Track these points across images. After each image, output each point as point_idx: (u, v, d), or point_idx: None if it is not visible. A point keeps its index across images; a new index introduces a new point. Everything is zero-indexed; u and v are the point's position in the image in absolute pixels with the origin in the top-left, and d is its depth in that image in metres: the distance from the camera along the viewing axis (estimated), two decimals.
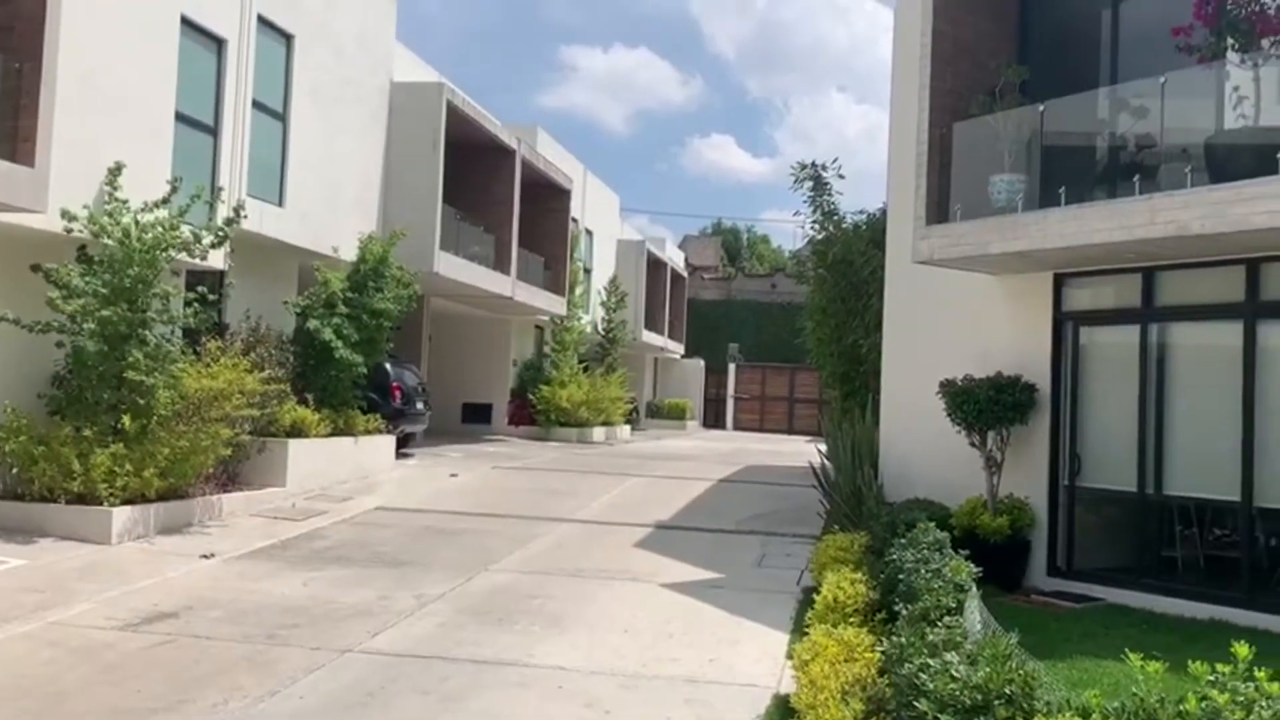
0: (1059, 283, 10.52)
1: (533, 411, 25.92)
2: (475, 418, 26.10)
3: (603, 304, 30.87)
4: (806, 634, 6.39)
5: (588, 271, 30.14)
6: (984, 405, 10.15)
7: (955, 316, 11.37)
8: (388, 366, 17.54)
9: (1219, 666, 3.40)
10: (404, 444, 18.39)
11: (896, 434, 11.93)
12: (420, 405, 19.04)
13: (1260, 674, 3.35)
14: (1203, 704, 3.23)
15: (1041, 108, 9.88)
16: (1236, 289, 9.13)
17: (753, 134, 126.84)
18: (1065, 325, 10.51)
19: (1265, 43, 8.24)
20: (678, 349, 39.60)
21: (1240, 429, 8.93)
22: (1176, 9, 8.92)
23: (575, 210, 27.39)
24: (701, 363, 41.75)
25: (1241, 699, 3.23)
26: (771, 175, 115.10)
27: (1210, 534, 9.73)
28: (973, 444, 10.41)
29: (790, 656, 6.53)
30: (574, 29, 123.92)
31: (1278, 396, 8.76)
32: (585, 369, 28.47)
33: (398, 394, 17.96)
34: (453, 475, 16.51)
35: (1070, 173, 9.79)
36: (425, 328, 22.60)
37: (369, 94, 17.83)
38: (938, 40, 10.35)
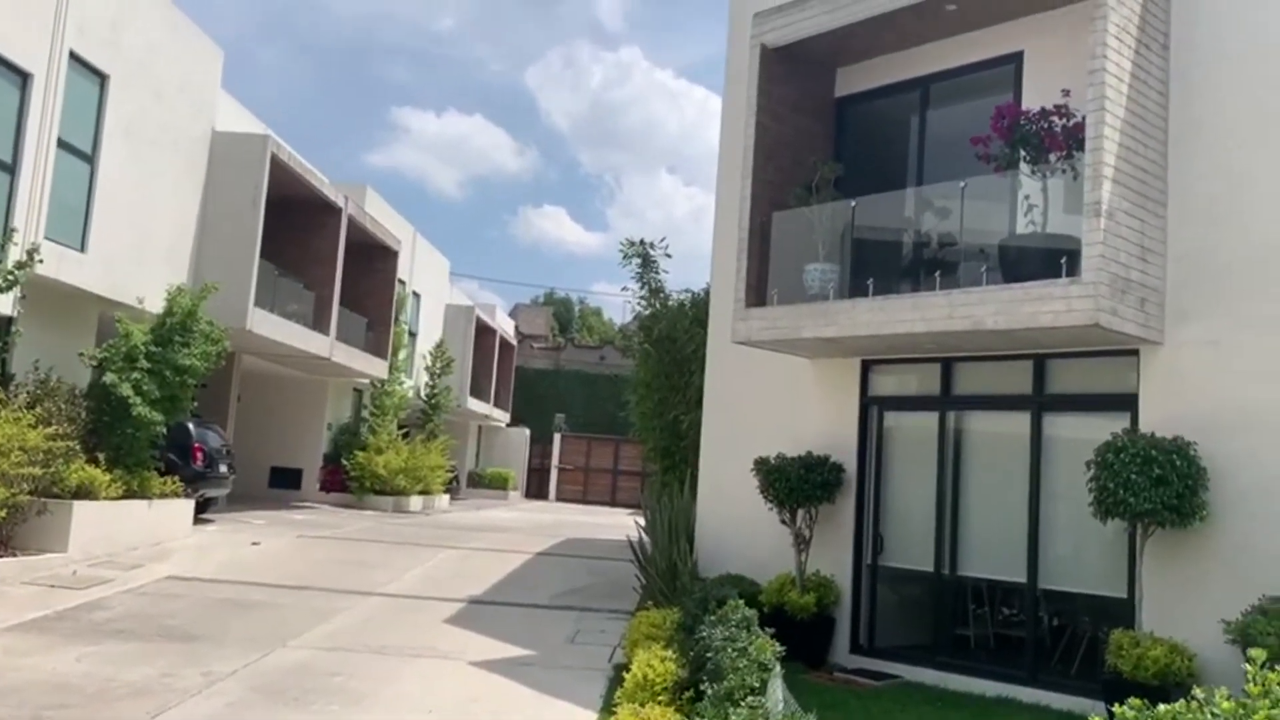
0: (866, 368, 11.02)
1: (346, 478, 25.03)
2: (284, 483, 24.97)
3: (427, 369, 30.32)
4: (614, 713, 6.31)
5: (413, 335, 29.60)
6: (795, 483, 10.44)
7: (771, 396, 11.72)
8: (190, 426, 16.61)
9: None
10: (204, 509, 17.37)
11: (713, 509, 12.11)
12: (224, 468, 18.06)
13: None
14: None
15: (854, 203, 10.42)
16: (1025, 382, 9.79)
17: (585, 207, 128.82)
18: (871, 409, 10.99)
19: (1053, 157, 8.97)
20: (503, 417, 39.23)
21: (1027, 514, 9.51)
22: (977, 120, 9.64)
23: (403, 272, 26.94)
24: (527, 432, 41.48)
25: None
26: (603, 248, 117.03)
27: (1000, 613, 10.26)
28: (783, 521, 10.67)
29: None
30: (409, 90, 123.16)
31: (1060, 484, 9.38)
32: (405, 435, 27.76)
33: (199, 456, 16.99)
34: (255, 543, 15.67)
35: (879, 265, 10.33)
36: (235, 387, 21.58)
37: (189, 141, 17.12)
38: (760, 134, 10.81)
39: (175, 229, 16.80)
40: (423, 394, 30.17)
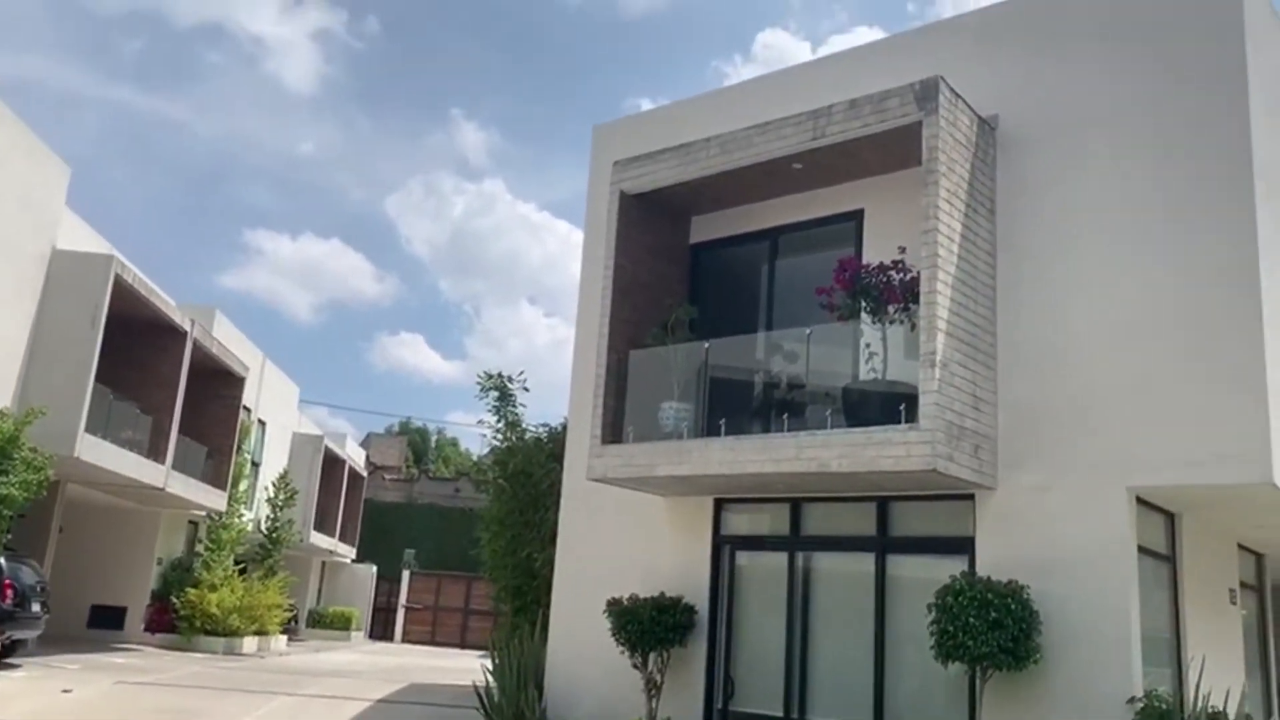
0: (719, 507, 11.12)
1: (175, 617, 23.38)
2: (105, 622, 23.14)
3: (269, 501, 29.01)
4: None
5: (256, 465, 28.39)
6: (647, 626, 10.31)
7: (625, 535, 11.65)
8: (1, 561, 15.32)
9: None
10: (10, 652, 15.88)
11: (564, 652, 11.80)
12: (37, 607, 16.63)
13: None
14: None
15: (707, 345, 10.70)
16: (870, 524, 10.05)
17: (444, 335, 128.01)
18: (724, 549, 11.04)
19: (891, 309, 9.46)
20: (349, 553, 37.67)
21: (873, 655, 9.61)
22: (822, 271, 10.12)
23: (250, 399, 26.01)
24: (373, 569, 39.86)
25: None
26: (461, 377, 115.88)
27: None
28: (635, 665, 10.48)
29: None
30: (266, 213, 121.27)
31: (904, 625, 9.55)
32: (243, 571, 26.28)
33: (9, 593, 15.61)
34: (66, 691, 14.35)
35: (732, 405, 10.56)
36: (57, 517, 20.09)
37: (26, 259, 16.35)
38: (618, 274, 11.07)
39: (3, 349, 15.85)
40: (263, 527, 28.77)
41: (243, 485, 25.85)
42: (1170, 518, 9.65)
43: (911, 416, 8.67)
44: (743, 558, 11.08)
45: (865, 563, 10.02)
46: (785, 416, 9.92)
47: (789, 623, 10.36)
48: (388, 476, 48.41)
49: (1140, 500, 8.89)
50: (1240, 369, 8.26)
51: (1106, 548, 8.58)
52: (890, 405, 8.99)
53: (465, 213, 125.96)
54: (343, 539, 36.06)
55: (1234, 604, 10.94)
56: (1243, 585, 11.47)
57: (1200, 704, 8.20)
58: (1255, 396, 8.15)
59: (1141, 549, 8.81)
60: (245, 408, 25.48)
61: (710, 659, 10.68)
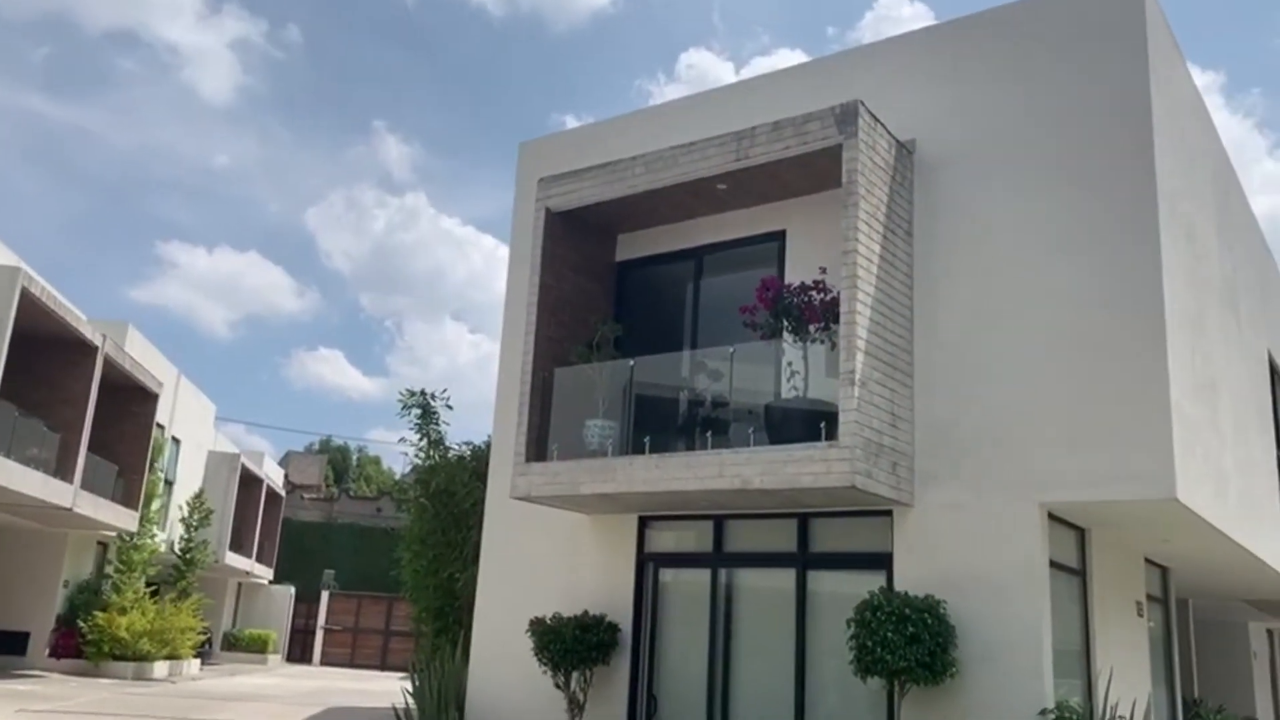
0: (643, 525, 11.13)
1: (83, 642, 22.55)
2: (7, 648, 22.20)
3: (183, 520, 28.20)
4: None
5: (170, 484, 27.60)
6: (570, 645, 10.26)
7: (549, 553, 11.58)
8: None
9: None
10: None
11: (486, 673, 11.67)
12: None
13: None
14: None
15: (632, 363, 10.73)
16: (791, 540, 10.15)
17: (364, 351, 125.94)
18: (647, 566, 11.05)
19: (812, 328, 9.60)
20: (266, 573, 36.77)
21: (794, 671, 9.69)
22: (746, 290, 10.23)
23: (163, 416, 25.30)
24: (291, 590, 38.95)
25: None
26: (382, 394, 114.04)
27: None
28: (557, 685, 10.41)
29: None
30: (181, 226, 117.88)
31: (825, 641, 9.65)
32: (155, 593, 25.48)
33: None
34: None
35: (657, 422, 10.59)
36: None
37: None
38: (543, 292, 11.05)
39: None
40: (177, 548, 27.96)
41: (155, 505, 25.10)
42: (1081, 533, 9.93)
43: (832, 434, 8.79)
44: (666, 575, 11.09)
45: (786, 579, 10.11)
46: (709, 434, 9.99)
47: (711, 639, 10.39)
48: (307, 495, 47.44)
49: (1052, 516, 9.14)
50: (1145, 390, 8.55)
51: (1019, 563, 8.80)
52: (811, 423, 9.11)
53: (387, 227, 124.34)
54: (260, 559, 35.20)
55: (1141, 616, 11.29)
56: (1149, 598, 11.84)
57: (1108, 714, 8.43)
58: (1160, 416, 8.45)
59: (1053, 564, 9.04)
60: (158, 425, 24.77)
61: (633, 676, 10.66)
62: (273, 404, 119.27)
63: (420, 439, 15.69)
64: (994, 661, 8.65)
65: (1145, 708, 9.16)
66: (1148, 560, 11.89)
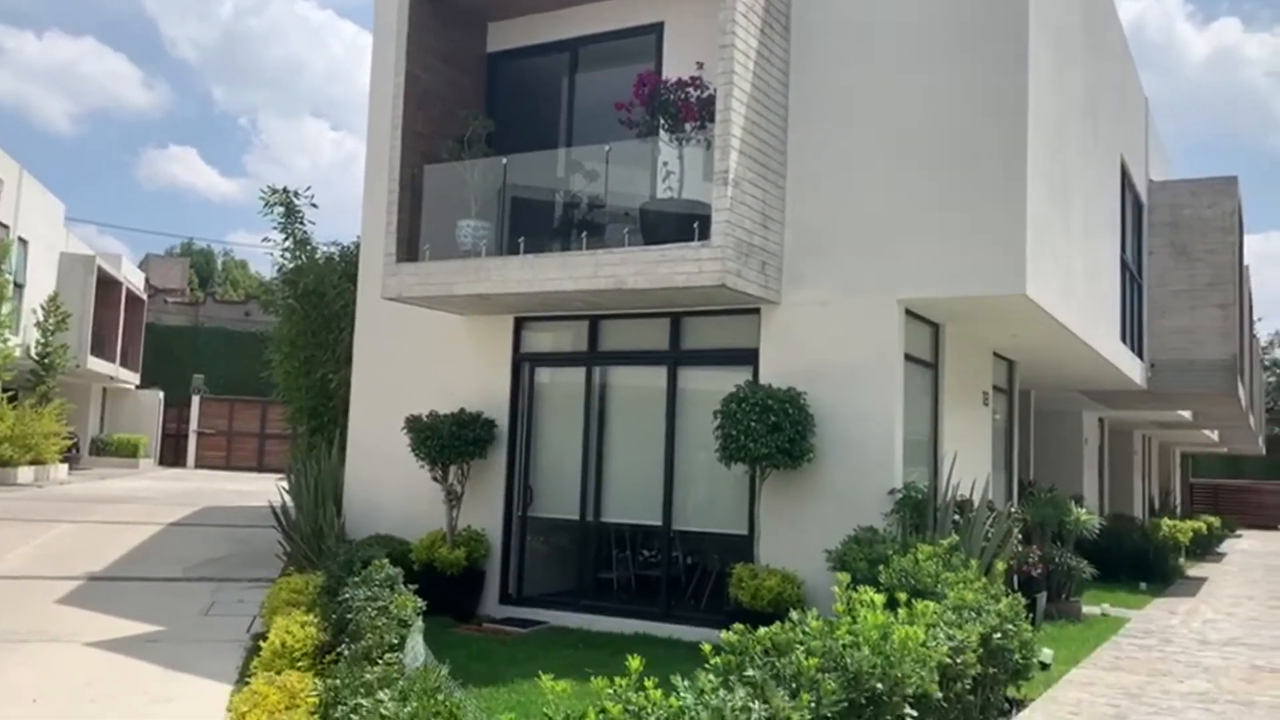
0: (519, 325, 11.18)
1: None
2: None
3: (38, 325, 27.00)
4: (249, 683, 6.03)
5: (19, 286, 26.20)
6: (447, 440, 10.43)
7: (424, 353, 11.58)
8: None
9: (617, 680, 3.76)
10: None
11: (362, 469, 11.83)
12: None
13: (649, 683, 3.77)
14: (600, 716, 3.55)
15: (505, 160, 10.48)
16: (663, 339, 10.38)
17: (220, 150, 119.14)
18: (523, 366, 11.18)
19: (688, 127, 9.50)
20: (132, 379, 35.83)
21: (663, 461, 10.13)
22: (623, 86, 9.99)
23: (5, 214, 23.74)
24: (160, 394, 38.15)
25: (633, 708, 3.60)
26: (242, 196, 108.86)
27: (640, 556, 10.87)
28: (435, 479, 10.64)
29: (230, 710, 6.10)
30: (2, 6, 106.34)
31: (693, 434, 10.06)
32: (13, 399, 24.63)
33: None
34: None
35: (532, 223, 10.48)
36: None
37: None
38: (410, 83, 10.56)
39: None
40: (33, 353, 26.88)
41: (5, 308, 23.90)
42: (935, 328, 10.44)
43: (705, 235, 8.87)
44: (542, 374, 11.26)
45: (658, 376, 10.39)
46: (584, 235, 9.95)
47: (586, 433, 10.71)
48: (170, 300, 45.77)
49: (909, 312, 9.56)
50: (1003, 191, 8.85)
51: (877, 356, 9.24)
52: (685, 224, 9.16)
53: (236, 11, 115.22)
54: (124, 364, 34.22)
55: (986, 405, 12.09)
56: (995, 389, 12.66)
57: (950, 493, 9.14)
58: (1015, 218, 8.79)
59: (908, 357, 9.53)
60: (1, 224, 23.28)
61: (510, 470, 10.97)
62: (125, 206, 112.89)
63: (285, 239, 15.20)
64: (849, 447, 9.20)
65: (984, 487, 9.95)
66: (996, 354, 12.63)
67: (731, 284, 8.81)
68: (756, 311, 9.76)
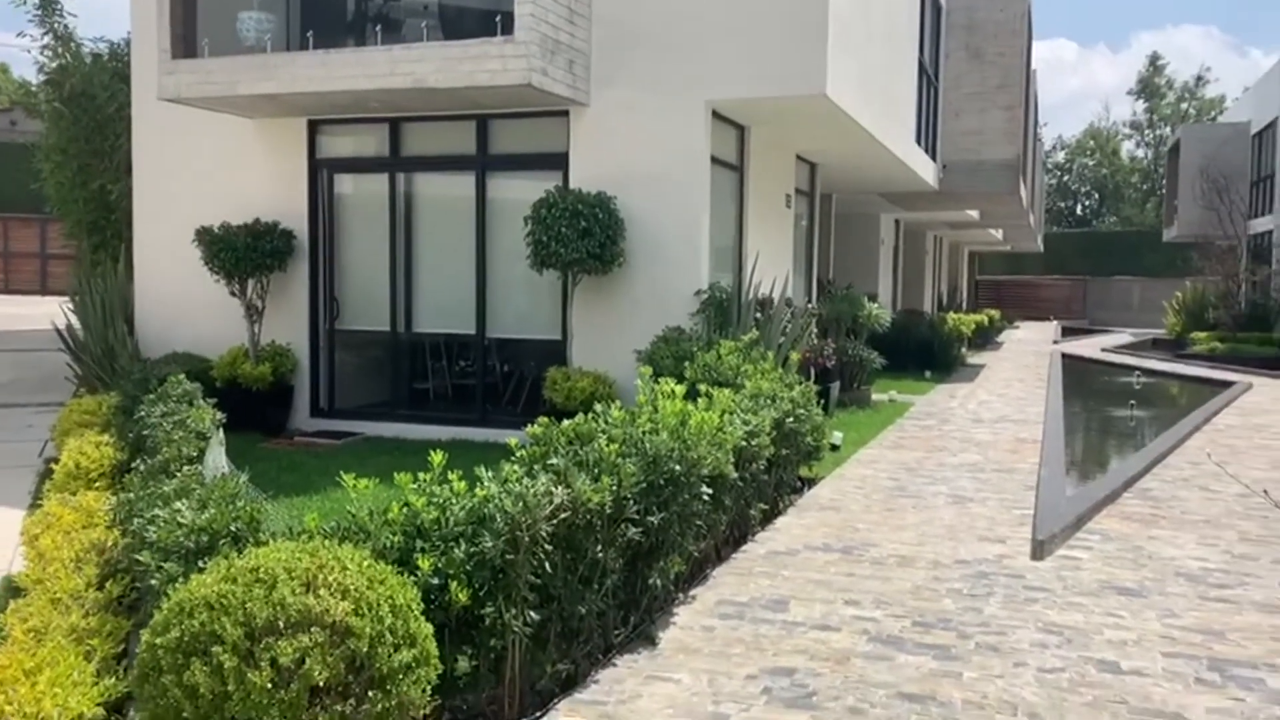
0: (314, 129, 10.59)
1: None
2: None
3: None
4: (42, 506, 5.80)
5: None
6: (242, 253, 9.96)
7: (211, 160, 10.86)
8: None
9: (421, 475, 3.82)
10: None
11: (154, 286, 11.19)
12: None
13: (453, 476, 3.84)
14: (404, 509, 3.61)
15: None
16: (470, 143, 10.07)
17: None
18: (321, 172, 10.66)
19: None
20: None
21: (475, 270, 10.03)
22: None
23: None
24: None
25: (437, 500, 3.68)
26: None
27: (456, 365, 10.88)
28: (233, 293, 10.21)
29: (24, 533, 5.88)
30: None
31: (504, 241, 9.95)
32: None
33: None
34: None
35: (323, 17, 9.77)
36: None
37: None
38: None
39: None
40: None
41: None
42: (741, 130, 10.52)
43: (509, 29, 8.51)
44: (343, 181, 10.78)
45: (466, 183, 10.13)
46: (380, 30, 9.38)
47: (393, 243, 10.43)
48: None
49: (716, 115, 9.57)
50: None
51: (684, 159, 9.28)
52: (488, 19, 8.76)
53: None
54: None
55: (789, 208, 12.43)
56: (798, 191, 13.00)
57: (753, 293, 9.49)
58: (817, 19, 8.82)
59: (714, 160, 9.61)
60: None
61: (313, 282, 10.62)
62: None
63: (44, 34, 13.63)
64: (658, 250, 9.34)
65: (784, 286, 10.37)
66: (799, 157, 12.91)
67: (538, 83, 8.55)
68: (565, 114, 9.56)
